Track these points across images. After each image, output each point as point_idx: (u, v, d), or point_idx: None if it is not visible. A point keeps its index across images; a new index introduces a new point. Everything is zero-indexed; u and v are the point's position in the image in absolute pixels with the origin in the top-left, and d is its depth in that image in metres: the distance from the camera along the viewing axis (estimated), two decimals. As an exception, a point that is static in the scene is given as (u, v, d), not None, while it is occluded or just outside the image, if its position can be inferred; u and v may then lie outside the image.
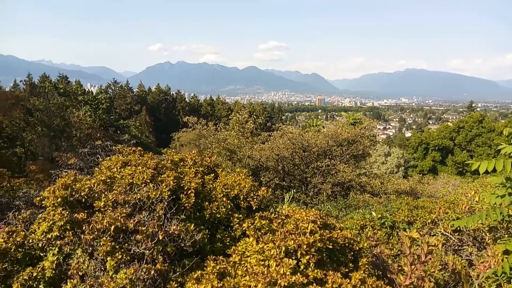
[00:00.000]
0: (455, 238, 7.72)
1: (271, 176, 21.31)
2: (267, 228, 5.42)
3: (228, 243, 5.50)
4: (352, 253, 5.42)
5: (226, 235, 5.58)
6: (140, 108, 78.85)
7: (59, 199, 4.62)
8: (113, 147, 11.38)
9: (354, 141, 20.51)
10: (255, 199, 6.06)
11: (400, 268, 6.25)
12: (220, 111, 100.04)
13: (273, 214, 5.57)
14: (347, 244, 5.47)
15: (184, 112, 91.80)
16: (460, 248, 7.81)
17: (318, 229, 5.14)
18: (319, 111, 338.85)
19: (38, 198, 4.98)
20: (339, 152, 20.50)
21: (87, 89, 44.50)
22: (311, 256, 4.68)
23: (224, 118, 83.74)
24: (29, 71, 68.50)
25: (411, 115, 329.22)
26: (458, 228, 7.64)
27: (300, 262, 4.63)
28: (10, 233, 4.77)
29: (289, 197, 13.31)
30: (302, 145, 20.24)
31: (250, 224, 5.37)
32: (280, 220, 5.19)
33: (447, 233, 7.63)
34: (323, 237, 5.02)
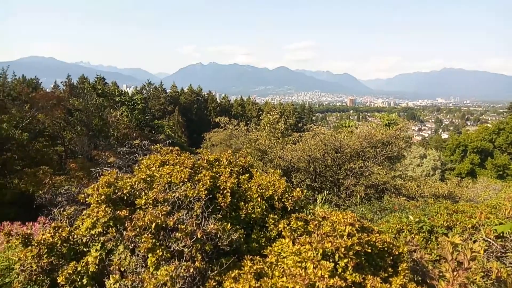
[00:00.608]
0: (497, 244, 7.35)
1: (303, 177, 21.15)
2: (302, 230, 5.40)
3: (263, 243, 5.51)
4: (391, 257, 5.29)
5: (262, 235, 5.60)
6: (173, 108, 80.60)
7: (103, 197, 4.80)
8: (151, 146, 11.75)
9: (389, 142, 19.96)
10: (290, 200, 6.04)
11: (441, 274, 6.02)
12: (251, 111, 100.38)
13: (309, 216, 5.53)
14: (385, 248, 5.34)
15: (215, 113, 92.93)
16: (503, 255, 7.42)
17: (355, 232, 5.06)
18: (351, 111, 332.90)
19: (82, 195, 5.17)
20: (372, 153, 20.02)
21: (123, 90, 46.02)
22: (349, 259, 4.61)
23: (255, 118, 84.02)
24: (68, 73, 71.77)
25: (448, 116, 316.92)
26: (501, 234, 7.27)
27: (337, 265, 4.57)
28: (56, 229, 5.00)
29: (322, 199, 13.17)
30: (334, 146, 19.94)
31: (286, 225, 5.36)
32: (316, 222, 5.14)
33: (489, 239, 7.28)
34: (361, 241, 4.93)
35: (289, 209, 6.01)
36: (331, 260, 4.63)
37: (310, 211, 6.67)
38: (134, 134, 25.84)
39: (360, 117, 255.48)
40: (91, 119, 27.02)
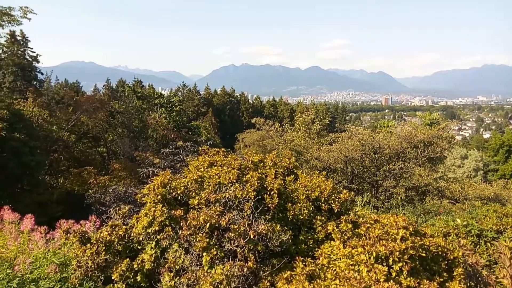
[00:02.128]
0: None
1: (339, 178, 20.87)
2: (351, 232, 5.34)
3: (311, 245, 5.50)
4: (446, 262, 5.12)
5: (309, 237, 5.59)
6: (206, 110, 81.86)
7: (159, 196, 4.97)
8: (193, 148, 12.07)
9: (431, 143, 19.31)
10: (336, 202, 5.99)
11: (498, 280, 5.77)
12: (283, 112, 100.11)
13: (361, 218, 5.46)
14: (440, 253, 5.19)
15: (247, 114, 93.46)
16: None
17: (409, 235, 4.95)
18: (386, 110, 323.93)
19: (139, 195, 5.37)
20: (413, 154, 19.43)
21: (160, 93, 47.45)
22: (403, 263, 4.51)
23: (287, 119, 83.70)
24: (107, 77, 74.70)
25: (490, 115, 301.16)
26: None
27: (391, 269, 4.49)
28: (113, 227, 5.24)
29: (362, 201, 12.94)
30: (373, 147, 19.52)
31: (335, 227, 5.32)
32: (368, 225, 5.06)
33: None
34: (415, 244, 4.81)
35: (335, 211, 5.96)
36: (384, 264, 4.55)
37: (357, 213, 6.58)
38: (172, 136, 26.53)
39: (396, 116, 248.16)
40: (132, 121, 28.05)
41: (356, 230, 5.36)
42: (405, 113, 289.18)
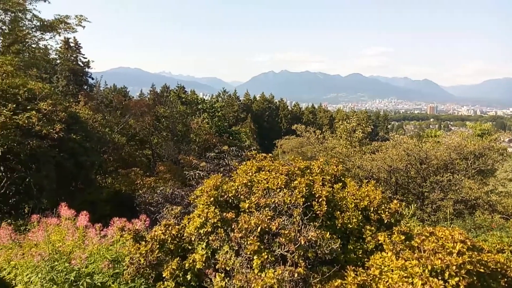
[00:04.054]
0: None
1: (383, 188, 20.24)
2: (403, 244, 5.19)
3: (360, 255, 5.41)
4: (505, 279, 4.85)
5: (358, 247, 5.49)
6: (245, 115, 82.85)
7: (211, 199, 5.11)
8: (238, 153, 12.28)
9: (482, 154, 18.30)
10: (386, 212, 5.85)
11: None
12: (322, 119, 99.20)
13: (415, 230, 5.30)
14: (499, 269, 4.92)
15: (286, 120, 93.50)
16: None
17: (466, 250, 4.74)
18: (431, 120, 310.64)
19: (192, 197, 5.54)
20: (463, 166, 18.50)
21: (203, 98, 48.77)
22: (460, 278, 4.33)
23: (326, 126, 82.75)
24: (152, 82, 77.66)
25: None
26: None
27: (447, 284, 4.32)
28: (167, 226, 5.44)
29: (409, 213, 12.50)
30: (419, 157, 18.80)
31: (386, 238, 5.20)
32: (423, 237, 4.90)
33: None
34: (473, 259, 4.60)
35: (385, 221, 5.82)
36: (440, 278, 4.39)
37: (408, 225, 6.39)
38: (214, 140, 27.13)
39: (442, 126, 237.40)
40: (176, 125, 29.02)
41: (409, 242, 5.21)
42: (451, 123, 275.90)
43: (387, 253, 4.92)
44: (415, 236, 5.08)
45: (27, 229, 8.62)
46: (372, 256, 5.12)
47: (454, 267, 4.34)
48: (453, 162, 18.49)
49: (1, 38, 23.95)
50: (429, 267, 4.36)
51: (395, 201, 6.06)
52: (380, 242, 5.23)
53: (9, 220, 10.09)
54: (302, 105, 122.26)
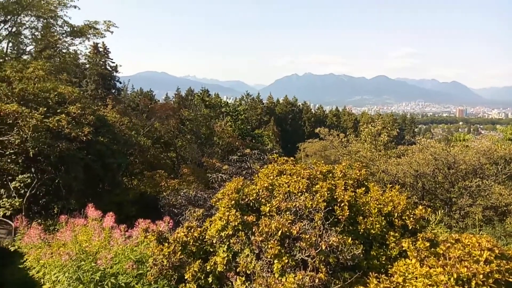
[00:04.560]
0: None
1: (409, 193, 19.72)
2: (428, 251, 5.04)
3: (383, 262, 5.29)
4: (538, 291, 4.62)
5: (381, 253, 5.38)
6: (268, 118, 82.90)
7: (233, 202, 5.14)
8: (260, 156, 12.31)
9: (514, 159, 17.56)
10: (411, 218, 5.70)
11: None
12: (346, 122, 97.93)
13: (440, 237, 5.14)
14: (530, 280, 4.69)
15: (309, 123, 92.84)
16: None
17: (493, 258, 4.56)
18: (460, 123, 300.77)
19: (214, 199, 5.59)
20: (493, 171, 17.79)
21: (227, 101, 49.27)
22: (488, 287, 4.17)
23: (350, 129, 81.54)
24: (178, 86, 79.03)
25: None
26: None
27: (474, 293, 4.17)
28: (189, 228, 5.51)
29: (435, 219, 12.13)
30: (447, 161, 18.22)
31: (410, 244, 5.07)
32: (448, 244, 4.75)
33: None
34: (501, 268, 4.42)
35: (410, 227, 5.68)
36: (466, 287, 4.24)
37: (433, 231, 6.21)
38: (237, 143, 27.29)
39: (471, 129, 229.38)
40: (199, 128, 29.42)
41: (434, 249, 5.06)
42: (481, 126, 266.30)
43: (411, 260, 4.80)
44: (440, 243, 4.92)
45: (56, 229, 8.93)
46: (396, 263, 5.01)
47: (481, 276, 4.19)
48: (482, 167, 17.82)
49: (34, 44, 25.03)
50: (455, 276, 4.22)
51: (420, 207, 5.91)
52: (404, 248, 5.11)
53: (39, 220, 10.50)
54: (325, 108, 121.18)
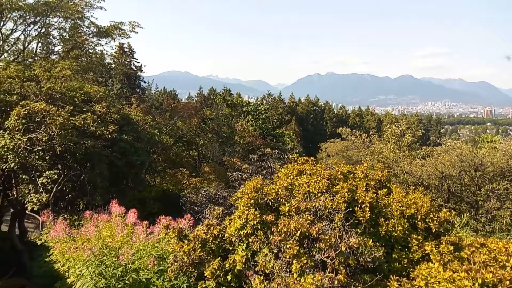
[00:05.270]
0: None
1: (433, 196, 19.24)
2: (451, 255, 4.91)
3: (405, 265, 5.19)
4: None
5: (403, 256, 5.27)
6: (290, 118, 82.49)
7: (252, 201, 5.16)
8: (280, 155, 12.32)
9: (546, 162, 16.85)
10: (435, 221, 5.57)
11: None
12: (369, 122, 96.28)
13: (464, 241, 5.00)
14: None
15: (331, 123, 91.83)
16: None
17: (521, 265, 4.40)
18: (488, 124, 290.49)
19: (233, 198, 5.62)
20: (523, 174, 17.15)
21: (248, 101, 49.58)
22: (515, 295, 4.02)
23: (373, 129, 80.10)
24: (200, 85, 79.91)
25: None
26: None
27: (500, 300, 4.03)
28: (208, 226, 5.56)
29: (461, 222, 11.82)
30: (473, 163, 17.68)
31: (433, 248, 4.95)
32: (473, 248, 4.61)
33: None
34: (530, 276, 4.26)
35: (433, 230, 5.54)
36: (492, 293, 4.11)
37: (458, 235, 6.04)
38: (257, 142, 27.34)
39: (500, 130, 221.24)
40: (221, 127, 29.69)
41: (458, 253, 4.92)
42: (510, 127, 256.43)
43: (434, 263, 4.68)
44: (465, 247, 4.78)
45: (80, 224, 9.17)
46: (418, 267, 4.90)
47: (507, 282, 4.05)
48: (510, 170, 17.21)
49: (62, 44, 25.85)
50: (480, 281, 4.09)
51: (444, 210, 5.76)
52: (427, 252, 4.99)
53: (65, 215, 10.83)
54: (348, 108, 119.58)
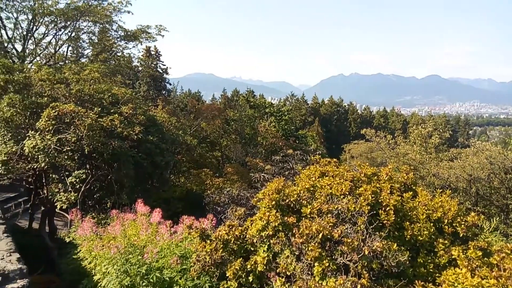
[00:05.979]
0: None
1: (461, 199, 18.67)
2: (480, 261, 4.75)
3: (431, 270, 5.06)
4: None
5: (429, 261, 5.15)
6: (313, 119, 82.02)
7: (273, 202, 5.17)
8: (303, 157, 12.26)
9: None
10: (462, 225, 5.41)
11: None
12: (394, 123, 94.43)
13: (494, 246, 4.84)
14: None
15: (355, 124, 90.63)
16: None
17: (556, 273, 4.21)
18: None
19: (255, 199, 5.65)
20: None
21: (271, 102, 49.82)
22: (548, 304, 3.86)
23: (399, 131, 78.44)
24: (224, 87, 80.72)
25: None
26: None
27: (532, 310, 3.88)
28: (230, 227, 5.62)
29: (490, 226, 11.42)
30: (503, 166, 17.07)
31: (460, 253, 4.81)
32: (503, 254, 4.45)
33: None
34: None
35: (461, 235, 5.39)
36: (523, 302, 3.96)
37: (486, 239, 5.84)
38: (280, 144, 27.35)
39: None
40: (244, 128, 29.92)
41: (486, 259, 4.77)
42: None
43: (461, 269, 4.55)
44: (494, 252, 4.62)
45: (107, 223, 9.41)
46: (445, 272, 4.77)
47: (540, 292, 3.89)
48: (545, 173, 16.52)
49: (91, 48, 26.70)
50: (510, 289, 3.95)
51: (472, 213, 5.58)
52: (453, 257, 4.86)
53: (92, 214, 11.16)
54: (373, 109, 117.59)
